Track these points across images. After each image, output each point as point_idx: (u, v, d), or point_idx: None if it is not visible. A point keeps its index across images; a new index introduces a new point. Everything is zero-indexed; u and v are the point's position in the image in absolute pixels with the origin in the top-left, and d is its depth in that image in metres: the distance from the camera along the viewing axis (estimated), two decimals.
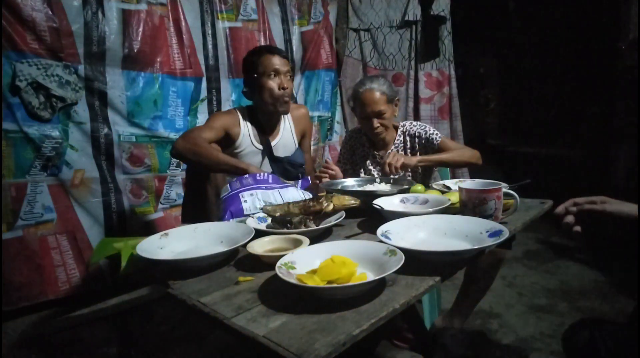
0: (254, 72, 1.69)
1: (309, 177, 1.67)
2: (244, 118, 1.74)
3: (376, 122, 1.75)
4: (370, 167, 1.90)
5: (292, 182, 1.49)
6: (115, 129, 2.21)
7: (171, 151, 1.61)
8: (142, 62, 2.27)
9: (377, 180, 1.58)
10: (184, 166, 2.37)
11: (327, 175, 1.66)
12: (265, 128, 1.78)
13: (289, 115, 1.86)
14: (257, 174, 1.42)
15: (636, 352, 0.84)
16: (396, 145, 1.87)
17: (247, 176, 1.40)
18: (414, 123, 1.88)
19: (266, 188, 1.36)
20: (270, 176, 1.43)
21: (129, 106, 2.24)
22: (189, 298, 0.80)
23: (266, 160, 1.78)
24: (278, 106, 1.70)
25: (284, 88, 1.67)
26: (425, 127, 1.84)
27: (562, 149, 3.62)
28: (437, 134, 1.81)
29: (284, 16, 2.93)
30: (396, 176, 1.61)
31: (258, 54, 1.70)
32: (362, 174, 1.90)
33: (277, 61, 1.67)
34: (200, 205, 1.57)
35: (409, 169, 1.81)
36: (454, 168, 1.80)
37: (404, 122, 1.90)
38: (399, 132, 1.88)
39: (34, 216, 1.98)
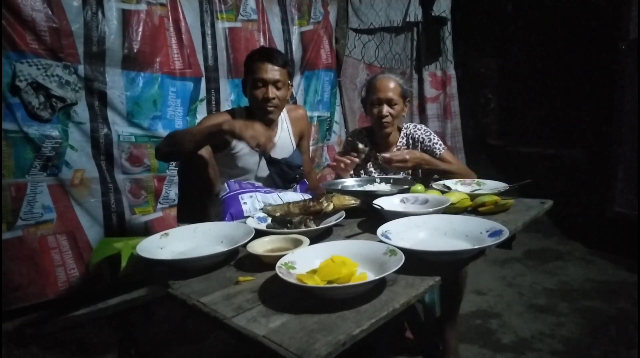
0: (247, 76, 1.69)
1: (305, 180, 1.67)
2: (240, 118, 1.71)
3: (386, 110, 1.73)
4: (372, 168, 1.90)
5: (289, 190, 1.51)
6: (115, 129, 2.20)
7: (156, 156, 1.56)
8: (141, 62, 2.27)
9: (377, 180, 1.58)
10: None
11: (348, 161, 1.62)
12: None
13: (286, 116, 1.85)
14: (254, 183, 1.43)
15: None
16: (398, 147, 1.86)
17: (244, 182, 1.42)
18: (419, 126, 1.87)
19: (265, 192, 1.38)
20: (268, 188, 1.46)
21: (128, 106, 2.24)
22: (189, 298, 0.80)
23: (263, 161, 1.76)
24: (259, 115, 1.66)
25: (266, 98, 1.62)
26: (430, 134, 1.83)
27: (562, 149, 3.62)
28: (440, 145, 1.80)
29: (284, 16, 2.93)
30: (397, 176, 1.61)
31: (252, 59, 1.68)
32: (363, 175, 1.90)
33: (266, 69, 1.62)
34: (194, 205, 1.56)
35: (410, 171, 1.81)
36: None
37: (408, 124, 1.89)
38: (402, 134, 1.87)
39: (33, 216, 1.98)
